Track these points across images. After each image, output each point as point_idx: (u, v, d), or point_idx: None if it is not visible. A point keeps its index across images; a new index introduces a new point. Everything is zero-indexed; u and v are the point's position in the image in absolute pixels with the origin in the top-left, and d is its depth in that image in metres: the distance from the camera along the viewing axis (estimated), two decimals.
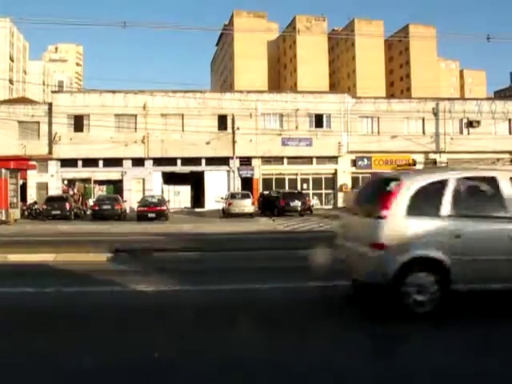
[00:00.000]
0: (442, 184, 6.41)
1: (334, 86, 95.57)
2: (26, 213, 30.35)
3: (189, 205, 37.76)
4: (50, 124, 35.74)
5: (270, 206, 30.72)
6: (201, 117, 36.19)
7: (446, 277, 6.15)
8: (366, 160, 38.29)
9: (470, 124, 38.90)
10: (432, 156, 38.93)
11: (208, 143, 36.36)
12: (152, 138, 36.15)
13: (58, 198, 29.89)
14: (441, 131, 38.70)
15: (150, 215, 27.22)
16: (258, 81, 79.69)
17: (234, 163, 37.04)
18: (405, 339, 5.77)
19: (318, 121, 38.01)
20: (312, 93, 41.40)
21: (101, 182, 37.27)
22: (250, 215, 28.88)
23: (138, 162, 36.55)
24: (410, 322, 6.09)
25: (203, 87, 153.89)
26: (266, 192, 34.66)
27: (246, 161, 37.42)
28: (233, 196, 30.31)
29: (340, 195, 38.20)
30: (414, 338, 5.76)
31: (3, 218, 25.44)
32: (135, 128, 36.34)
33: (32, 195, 34.45)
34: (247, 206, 29.30)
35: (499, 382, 4.43)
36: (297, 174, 38.25)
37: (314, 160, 38.14)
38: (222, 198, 31.18)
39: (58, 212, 27.96)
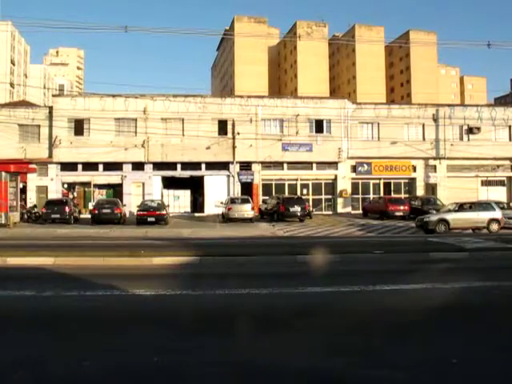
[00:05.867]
0: None
1: (335, 92, 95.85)
2: (26, 216, 30.32)
3: (188, 209, 37.71)
4: (50, 127, 35.73)
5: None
6: (201, 121, 36.23)
7: None
8: (365, 166, 38.29)
9: (470, 130, 38.93)
10: (432, 162, 38.95)
11: (208, 148, 36.36)
12: (152, 143, 36.17)
13: (58, 201, 29.85)
14: (441, 137, 38.71)
15: (149, 219, 27.17)
16: (258, 86, 79.97)
17: (234, 168, 37.03)
18: None
19: (318, 126, 38.02)
20: (312, 98, 41.39)
21: (101, 186, 37.23)
22: (249, 220, 28.86)
23: (138, 166, 36.52)
24: None
25: (204, 92, 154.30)
26: (266, 197, 34.74)
27: (245, 166, 37.39)
28: (232, 201, 30.19)
29: (340, 201, 38.19)
30: None
31: (3, 222, 25.42)
32: (135, 132, 36.34)
33: (32, 198, 34.45)
34: (247, 210, 29.17)
35: None
36: (297, 180, 38.23)
37: (314, 165, 38.10)
38: (222, 203, 31.14)
39: (58, 216, 27.94)
